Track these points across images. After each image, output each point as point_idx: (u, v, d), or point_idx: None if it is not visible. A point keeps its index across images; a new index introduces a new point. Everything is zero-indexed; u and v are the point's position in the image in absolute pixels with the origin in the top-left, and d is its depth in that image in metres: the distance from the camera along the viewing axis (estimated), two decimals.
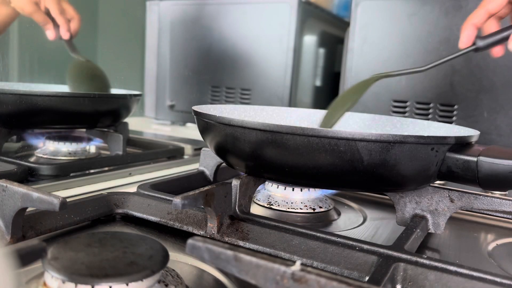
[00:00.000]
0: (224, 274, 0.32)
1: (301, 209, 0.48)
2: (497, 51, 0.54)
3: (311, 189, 0.49)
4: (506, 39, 0.50)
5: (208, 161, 0.57)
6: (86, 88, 0.76)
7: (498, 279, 0.30)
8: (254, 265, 0.22)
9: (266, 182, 0.50)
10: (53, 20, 0.76)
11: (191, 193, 0.34)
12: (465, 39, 0.52)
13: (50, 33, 0.77)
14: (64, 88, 0.81)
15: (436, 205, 0.42)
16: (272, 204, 0.49)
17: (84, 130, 0.72)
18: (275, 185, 0.50)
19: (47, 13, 0.76)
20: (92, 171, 0.60)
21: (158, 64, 1.16)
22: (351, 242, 0.35)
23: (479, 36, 0.52)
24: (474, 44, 0.52)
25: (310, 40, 1.03)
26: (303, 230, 0.37)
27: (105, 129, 0.71)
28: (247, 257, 0.22)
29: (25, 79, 0.94)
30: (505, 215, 0.51)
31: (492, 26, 0.55)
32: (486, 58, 0.77)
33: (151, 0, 1.16)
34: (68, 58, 0.79)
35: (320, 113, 0.61)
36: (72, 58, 0.78)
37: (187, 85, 1.12)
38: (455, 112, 0.80)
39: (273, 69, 0.99)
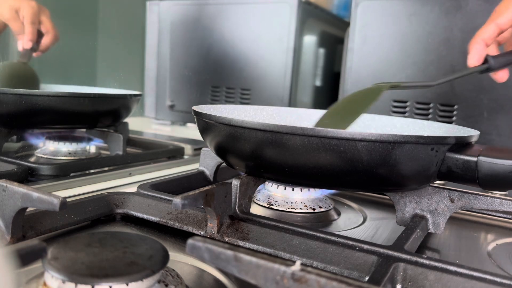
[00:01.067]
0: (224, 274, 0.32)
1: (301, 209, 0.48)
2: (501, 76, 0.49)
3: (311, 189, 0.49)
4: None
5: (208, 161, 0.57)
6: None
7: (498, 279, 0.30)
8: (254, 265, 0.22)
9: (266, 182, 0.50)
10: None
11: (191, 193, 0.34)
12: (476, 57, 0.47)
13: (20, 44, 0.76)
14: (64, 88, 0.81)
15: (436, 205, 0.43)
16: (272, 204, 0.49)
17: (84, 130, 0.72)
18: (275, 185, 0.50)
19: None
20: (92, 171, 0.60)
21: (158, 64, 1.16)
22: (351, 242, 0.35)
23: (490, 55, 0.47)
24: (486, 62, 0.46)
25: (310, 40, 1.03)
26: (303, 230, 0.37)
27: (105, 129, 0.71)
28: (247, 257, 0.22)
29: None
30: (505, 215, 0.51)
31: (491, 51, 0.49)
32: None
33: (151, 0, 1.16)
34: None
35: (320, 113, 0.61)
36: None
37: (187, 85, 1.12)
38: (455, 112, 0.80)
39: (273, 69, 0.99)
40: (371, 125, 0.58)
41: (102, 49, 1.23)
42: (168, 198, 0.44)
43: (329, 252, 0.35)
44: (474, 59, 0.47)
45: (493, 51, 0.49)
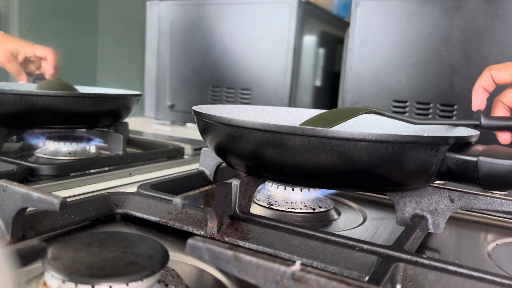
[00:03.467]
0: (224, 274, 0.32)
1: (301, 209, 0.48)
2: (504, 139, 0.49)
3: (311, 189, 0.49)
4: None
5: (208, 161, 0.57)
6: None
7: (498, 279, 0.30)
8: (254, 265, 0.22)
9: (266, 182, 0.50)
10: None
11: (191, 193, 0.34)
12: (477, 101, 0.50)
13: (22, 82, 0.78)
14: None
15: (436, 205, 0.43)
16: (272, 204, 0.49)
17: (84, 130, 0.72)
18: (275, 185, 0.50)
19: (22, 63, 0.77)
20: (92, 171, 0.60)
21: (158, 64, 1.16)
22: (351, 242, 0.35)
23: (484, 114, 0.47)
24: (477, 119, 0.48)
25: (310, 40, 1.03)
26: (303, 230, 0.37)
27: (105, 129, 0.71)
28: (247, 257, 0.22)
29: None
30: (505, 215, 0.51)
31: (501, 113, 0.50)
32: (486, 58, 0.77)
33: (151, 0, 1.16)
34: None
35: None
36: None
37: (187, 85, 1.12)
38: (455, 112, 0.80)
39: (273, 69, 0.99)
40: (371, 125, 0.58)
41: (102, 49, 1.23)
42: (168, 198, 0.44)
43: (329, 252, 0.35)
44: (475, 104, 0.50)
45: (504, 114, 0.50)
